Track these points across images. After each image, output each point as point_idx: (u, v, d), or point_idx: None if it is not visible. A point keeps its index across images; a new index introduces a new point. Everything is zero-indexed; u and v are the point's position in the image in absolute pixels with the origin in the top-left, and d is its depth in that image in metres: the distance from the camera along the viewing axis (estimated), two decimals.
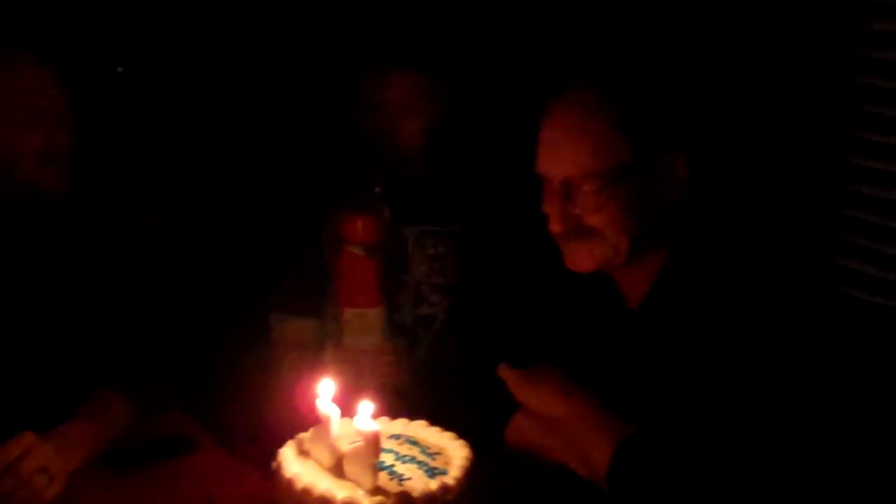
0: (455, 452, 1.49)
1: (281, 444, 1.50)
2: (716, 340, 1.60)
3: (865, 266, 2.07)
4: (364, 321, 2.03)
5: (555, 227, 1.66)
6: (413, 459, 1.47)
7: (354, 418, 1.42)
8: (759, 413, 1.54)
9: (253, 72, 2.59)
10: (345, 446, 1.43)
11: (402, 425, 1.58)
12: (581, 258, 1.68)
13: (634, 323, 1.72)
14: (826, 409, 1.54)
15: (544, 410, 1.67)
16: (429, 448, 1.51)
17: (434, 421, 1.68)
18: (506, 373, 1.72)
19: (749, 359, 1.56)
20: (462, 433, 1.73)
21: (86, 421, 1.73)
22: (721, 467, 1.52)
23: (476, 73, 2.42)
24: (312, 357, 2.07)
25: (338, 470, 1.42)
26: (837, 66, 2.06)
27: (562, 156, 1.64)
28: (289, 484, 1.40)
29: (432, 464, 1.46)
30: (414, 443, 1.52)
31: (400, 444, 1.52)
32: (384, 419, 1.59)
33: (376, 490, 1.38)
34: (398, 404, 1.96)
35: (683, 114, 1.68)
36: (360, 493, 1.37)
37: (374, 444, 1.38)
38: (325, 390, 1.45)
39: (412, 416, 1.65)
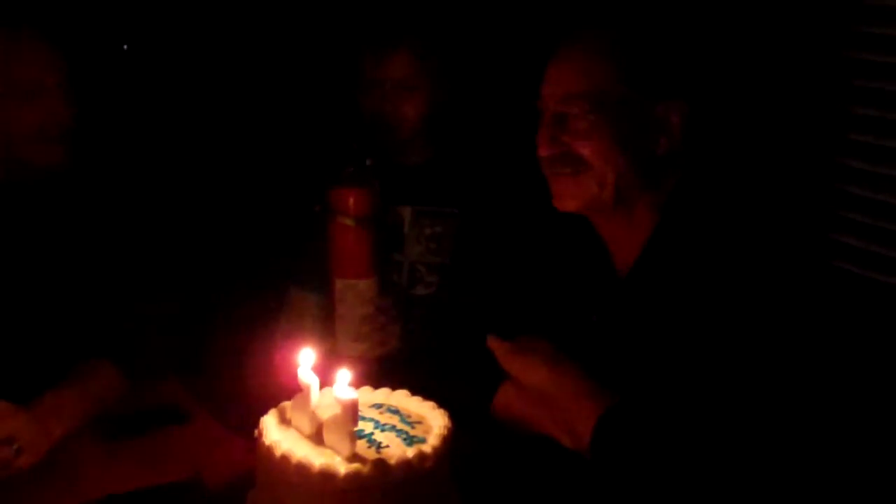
0: (435, 421, 1.50)
1: (265, 412, 1.52)
2: (703, 311, 1.60)
3: (859, 241, 2.07)
4: (356, 292, 2.05)
5: (541, 150, 1.69)
6: (393, 428, 1.48)
7: (333, 387, 1.43)
8: (744, 384, 1.54)
9: (254, 50, 2.60)
10: (325, 414, 1.45)
11: (383, 394, 1.59)
12: (567, 193, 1.70)
13: (623, 290, 1.73)
14: (813, 384, 1.53)
15: (530, 381, 1.68)
16: (409, 417, 1.52)
17: (422, 391, 1.70)
18: (494, 343, 1.73)
19: (736, 330, 1.56)
20: (447, 403, 1.77)
21: (69, 391, 1.75)
22: (703, 438, 1.52)
23: (476, 53, 2.43)
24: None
25: (318, 438, 1.44)
26: (836, 43, 2.05)
27: (560, 78, 1.68)
28: (268, 451, 1.42)
29: (412, 432, 1.47)
30: (395, 412, 1.53)
31: (381, 412, 1.53)
32: (366, 388, 1.60)
33: (354, 457, 1.39)
34: (388, 374, 2.00)
35: (688, 68, 1.69)
36: (337, 461, 1.38)
37: (351, 413, 1.39)
38: (305, 359, 1.47)
39: (401, 385, 1.67)
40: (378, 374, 1.88)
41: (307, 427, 1.46)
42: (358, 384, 1.59)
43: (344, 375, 1.42)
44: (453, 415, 1.72)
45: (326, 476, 1.36)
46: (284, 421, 1.49)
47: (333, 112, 2.21)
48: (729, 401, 1.53)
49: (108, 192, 1.98)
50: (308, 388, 1.45)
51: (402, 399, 1.58)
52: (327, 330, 2.06)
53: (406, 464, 1.38)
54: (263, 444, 1.43)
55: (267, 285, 2.16)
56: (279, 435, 1.45)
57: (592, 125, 1.65)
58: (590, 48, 1.69)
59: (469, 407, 1.74)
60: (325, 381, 1.47)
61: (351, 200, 2.01)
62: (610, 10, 1.78)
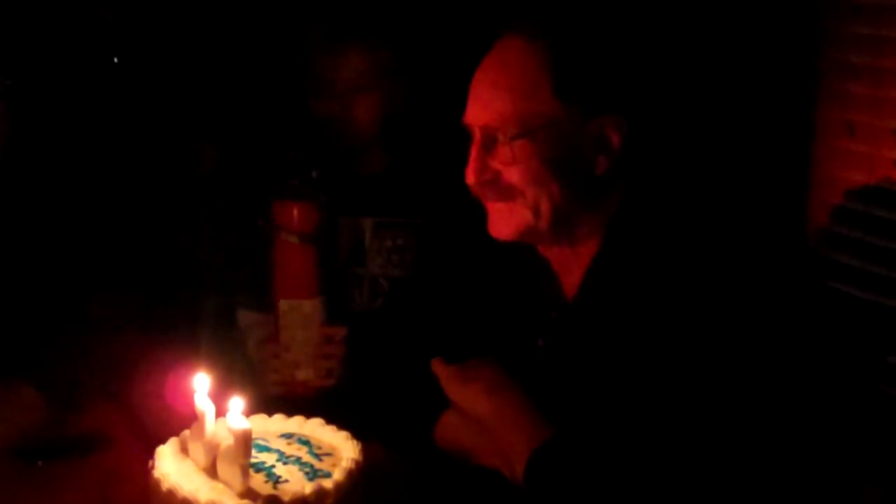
0: (346, 454, 1.39)
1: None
2: (647, 336, 1.47)
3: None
4: (300, 314, 1.94)
5: (469, 177, 1.54)
6: (297, 460, 1.37)
7: (227, 416, 1.32)
8: (687, 416, 1.41)
9: (195, 49, 2.49)
10: (222, 445, 1.33)
11: (296, 423, 1.48)
12: (501, 221, 1.56)
13: (569, 315, 1.61)
14: (762, 420, 1.40)
15: (472, 408, 1.58)
16: (320, 448, 1.41)
17: (363, 418, 1.59)
18: (438, 368, 1.62)
19: (682, 359, 1.43)
20: (388, 434, 1.66)
21: None
22: (640, 475, 1.40)
23: (434, 51, 2.28)
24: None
25: (213, 470, 1.33)
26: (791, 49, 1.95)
27: (482, 99, 1.53)
28: (156, 484, 1.31)
29: (318, 465, 1.36)
30: (305, 442, 1.43)
31: (289, 443, 1.42)
32: (279, 416, 1.49)
33: (246, 492, 1.28)
34: (332, 401, 1.90)
35: (623, 78, 1.54)
36: (226, 496, 1.27)
37: (243, 444, 1.28)
38: (200, 386, 1.35)
39: (345, 413, 1.56)
40: (312, 403, 1.76)
41: (203, 459, 1.35)
42: (272, 410, 1.50)
43: (237, 403, 1.31)
44: (395, 445, 1.65)
45: None
46: (183, 451, 1.38)
47: (281, 119, 2.10)
48: (669, 432, 1.40)
49: (33, 203, 1.88)
50: (203, 416, 1.34)
51: (316, 428, 1.46)
52: (268, 354, 1.95)
53: (301, 501, 1.27)
54: (153, 476, 1.33)
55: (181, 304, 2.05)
56: (172, 467, 1.34)
57: (521, 150, 1.50)
58: (513, 62, 1.52)
59: (414, 436, 1.64)
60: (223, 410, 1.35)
61: (295, 215, 1.90)
62: (534, 15, 1.60)
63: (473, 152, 1.54)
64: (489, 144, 1.53)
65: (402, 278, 2.13)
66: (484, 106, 1.53)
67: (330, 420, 1.49)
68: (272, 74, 2.32)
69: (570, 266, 1.61)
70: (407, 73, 2.14)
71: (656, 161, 1.63)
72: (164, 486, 1.29)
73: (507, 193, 1.54)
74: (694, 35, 1.97)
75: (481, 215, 1.72)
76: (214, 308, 2.09)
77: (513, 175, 1.52)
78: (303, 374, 1.94)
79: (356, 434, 1.45)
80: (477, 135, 1.54)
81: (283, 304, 1.93)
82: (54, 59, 2.40)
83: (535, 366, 1.62)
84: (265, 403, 1.52)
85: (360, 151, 2.16)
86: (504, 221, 1.56)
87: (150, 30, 2.51)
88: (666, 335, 1.45)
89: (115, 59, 2.54)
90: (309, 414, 1.51)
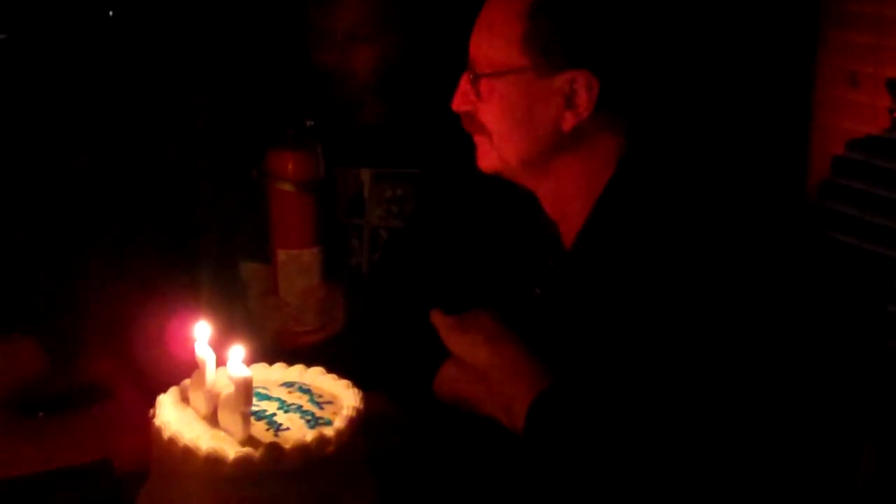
0: (346, 402, 1.38)
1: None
2: (646, 286, 1.46)
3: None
4: (299, 263, 1.93)
5: (452, 102, 1.56)
6: (298, 408, 1.36)
7: (227, 364, 1.31)
8: (686, 366, 1.40)
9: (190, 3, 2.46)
10: (223, 393, 1.33)
11: (297, 372, 1.46)
12: (480, 154, 1.58)
13: (567, 263, 1.60)
14: (763, 371, 1.39)
15: (471, 359, 1.57)
16: (320, 397, 1.40)
17: (362, 368, 1.59)
18: (437, 319, 1.61)
19: (684, 309, 1.41)
20: (386, 384, 1.65)
21: None
22: (639, 422, 1.40)
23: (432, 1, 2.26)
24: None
25: (214, 419, 1.32)
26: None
27: (474, 33, 1.54)
28: (157, 432, 1.30)
29: (318, 413, 1.35)
30: (306, 391, 1.41)
31: (290, 391, 1.41)
32: (280, 365, 1.48)
33: (248, 441, 1.27)
34: (332, 351, 1.89)
35: (598, 35, 1.49)
36: (226, 444, 1.26)
37: (244, 392, 1.27)
38: (200, 334, 1.35)
39: (345, 363, 1.56)
40: (313, 354, 1.75)
41: (203, 407, 1.34)
42: (272, 361, 1.49)
43: (238, 351, 1.30)
44: (393, 396, 1.64)
45: (214, 461, 1.24)
46: (184, 400, 1.38)
47: (276, 69, 2.07)
48: (668, 382, 1.40)
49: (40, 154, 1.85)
50: (204, 364, 1.34)
51: (316, 377, 1.45)
52: (268, 305, 1.95)
53: (303, 448, 1.26)
54: (154, 424, 1.32)
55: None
56: (173, 415, 1.33)
57: (490, 92, 1.51)
58: (496, 9, 1.52)
59: (413, 386, 1.65)
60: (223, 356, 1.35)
61: (290, 164, 1.89)
62: None
63: (461, 80, 1.55)
64: (475, 80, 1.53)
65: (400, 228, 2.12)
66: (473, 40, 1.54)
67: (330, 370, 1.49)
68: (268, 25, 2.29)
69: (565, 213, 1.59)
70: (405, 22, 2.12)
71: (654, 114, 1.61)
72: (165, 434, 1.28)
73: (481, 129, 1.54)
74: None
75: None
76: (215, 259, 2.08)
77: (482, 113, 1.53)
78: (302, 324, 1.94)
79: (356, 383, 1.44)
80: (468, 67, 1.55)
81: (282, 254, 1.92)
82: (48, 12, 2.37)
83: (532, 314, 1.61)
84: (266, 353, 1.51)
85: (359, 102, 2.13)
86: (481, 155, 1.58)
87: None
88: (663, 285, 1.44)
89: (111, 13, 2.51)
90: (309, 363, 1.51)
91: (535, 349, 1.54)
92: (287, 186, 1.89)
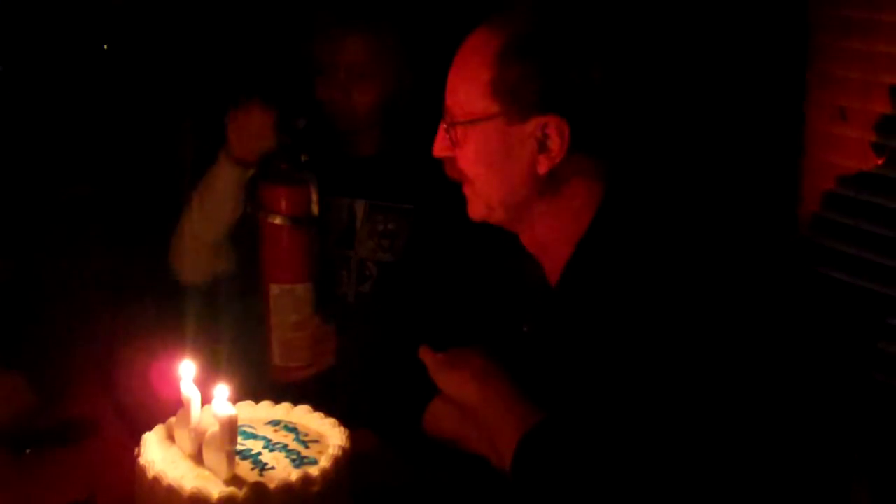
0: (333, 441, 1.38)
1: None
2: (629, 325, 1.45)
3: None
4: (292, 298, 1.93)
5: (433, 149, 1.56)
6: (284, 447, 1.37)
7: (213, 402, 1.31)
8: (669, 402, 1.40)
9: (193, 32, 2.46)
10: (208, 432, 1.33)
11: (283, 410, 1.47)
12: (469, 203, 1.57)
13: (552, 300, 1.60)
14: (750, 406, 1.39)
15: (459, 396, 1.57)
16: (306, 435, 1.40)
17: (351, 405, 1.59)
18: (426, 355, 1.61)
19: (667, 345, 1.42)
20: (377, 421, 1.65)
21: None
22: (627, 461, 1.40)
23: (434, 38, 2.27)
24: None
25: (199, 458, 1.32)
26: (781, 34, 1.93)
27: (448, 80, 1.54)
28: (142, 471, 1.31)
29: (304, 452, 1.36)
30: (292, 429, 1.42)
31: (276, 430, 1.41)
32: (266, 403, 1.48)
33: (232, 480, 1.27)
34: (322, 387, 1.89)
35: (568, 81, 1.47)
36: (210, 484, 1.26)
37: (229, 431, 1.27)
38: (186, 373, 1.34)
39: (333, 400, 1.56)
40: (302, 391, 1.75)
41: (188, 446, 1.34)
42: (261, 397, 1.49)
43: (223, 390, 1.30)
44: (381, 432, 1.64)
45: (198, 500, 1.25)
46: (169, 438, 1.37)
47: (274, 100, 2.08)
48: (656, 419, 1.40)
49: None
50: (189, 402, 1.33)
51: (303, 415, 1.45)
52: (257, 341, 1.95)
53: (287, 488, 1.26)
54: (138, 463, 1.32)
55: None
56: (158, 454, 1.33)
57: (465, 139, 1.51)
58: (470, 51, 1.51)
59: (402, 424, 1.64)
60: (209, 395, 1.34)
61: (284, 199, 1.89)
62: (504, 9, 1.56)
63: (439, 128, 1.56)
64: (452, 128, 1.53)
65: (390, 263, 2.12)
66: (448, 87, 1.53)
67: (318, 407, 1.49)
68: (268, 58, 2.31)
69: (549, 253, 1.59)
70: (406, 59, 2.14)
71: (633, 153, 1.60)
72: (150, 473, 1.29)
73: (463, 176, 1.55)
74: (676, 27, 1.94)
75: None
76: (201, 295, 2.08)
77: (460, 159, 1.53)
78: (292, 360, 1.93)
79: (344, 421, 1.44)
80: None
81: (275, 289, 1.92)
82: (46, 44, 2.38)
83: (521, 351, 1.61)
84: (252, 390, 1.51)
85: (356, 134, 2.15)
86: (469, 204, 1.57)
87: (146, 12, 2.48)
88: (648, 322, 1.44)
89: (105, 46, 2.52)
90: (296, 401, 1.50)
91: (525, 385, 1.54)
92: (280, 221, 1.89)
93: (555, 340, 1.56)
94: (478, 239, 1.72)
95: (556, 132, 1.47)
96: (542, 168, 1.49)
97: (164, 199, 2.20)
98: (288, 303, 1.93)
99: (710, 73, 2.07)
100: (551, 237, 1.56)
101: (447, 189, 2.05)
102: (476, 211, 1.57)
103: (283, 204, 1.90)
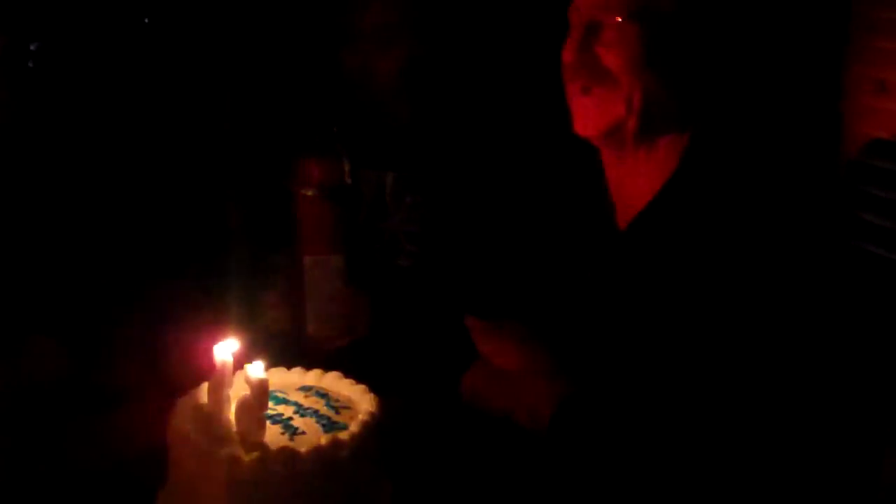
0: (362, 407, 1.39)
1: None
2: (695, 274, 1.47)
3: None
4: (325, 269, 1.93)
5: (566, 54, 1.54)
6: (315, 413, 1.37)
7: (245, 368, 1.32)
8: (730, 364, 1.41)
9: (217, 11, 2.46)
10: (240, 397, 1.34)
11: (314, 376, 1.47)
12: (588, 115, 1.56)
13: (622, 246, 1.60)
14: (813, 375, 1.39)
15: (501, 360, 1.60)
16: (337, 401, 1.41)
17: (384, 373, 1.59)
18: (471, 322, 1.64)
19: (735, 307, 1.43)
20: (410, 389, 1.66)
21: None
22: (664, 428, 1.40)
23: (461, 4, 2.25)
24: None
25: (230, 422, 1.33)
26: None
27: None
28: (175, 436, 1.32)
29: (334, 418, 1.36)
30: (323, 395, 1.42)
31: (307, 396, 1.42)
32: (298, 370, 1.49)
33: (263, 444, 1.28)
34: (352, 356, 1.90)
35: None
36: (242, 448, 1.27)
37: (260, 395, 1.29)
38: (219, 339, 1.36)
39: (365, 368, 1.57)
40: (337, 359, 1.76)
41: (221, 410, 1.34)
42: (292, 365, 1.50)
43: (255, 357, 1.31)
44: (413, 399, 1.65)
45: (230, 463, 1.25)
46: (202, 404, 1.39)
47: (302, 72, 2.08)
48: (707, 381, 1.40)
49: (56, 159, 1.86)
50: (222, 368, 1.34)
51: (333, 382, 1.46)
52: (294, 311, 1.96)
53: (318, 452, 1.27)
54: (171, 427, 1.33)
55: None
56: (191, 419, 1.34)
57: (626, 33, 1.50)
58: None
59: (438, 389, 1.67)
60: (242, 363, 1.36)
61: (316, 171, 1.90)
62: None
63: (575, 33, 1.54)
64: (594, 28, 1.52)
65: (425, 233, 2.12)
66: None
67: (349, 374, 1.50)
68: (295, 27, 2.30)
69: (632, 189, 1.60)
70: (431, 24, 2.12)
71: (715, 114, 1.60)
72: (183, 437, 1.30)
73: (602, 79, 1.53)
74: None
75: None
76: (237, 265, 2.09)
77: (613, 59, 1.51)
78: (325, 330, 1.94)
79: (374, 388, 1.45)
80: (583, 18, 1.54)
81: (308, 260, 1.93)
82: (83, 20, 2.40)
83: (584, 298, 1.61)
84: (284, 357, 1.52)
85: (383, 104, 2.14)
86: (593, 115, 1.56)
87: None
88: (714, 273, 1.45)
89: (146, 20, 2.53)
90: (328, 368, 1.51)
91: (585, 332, 1.55)
92: (312, 192, 1.90)
93: (621, 286, 1.56)
94: (529, 190, 1.72)
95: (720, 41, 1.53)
96: (699, 75, 1.52)
97: (207, 167, 2.21)
98: (321, 274, 1.94)
99: (751, 47, 2.04)
100: (642, 173, 1.57)
101: (478, 156, 2.06)
102: (606, 118, 1.55)
103: (316, 176, 1.90)
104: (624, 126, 1.54)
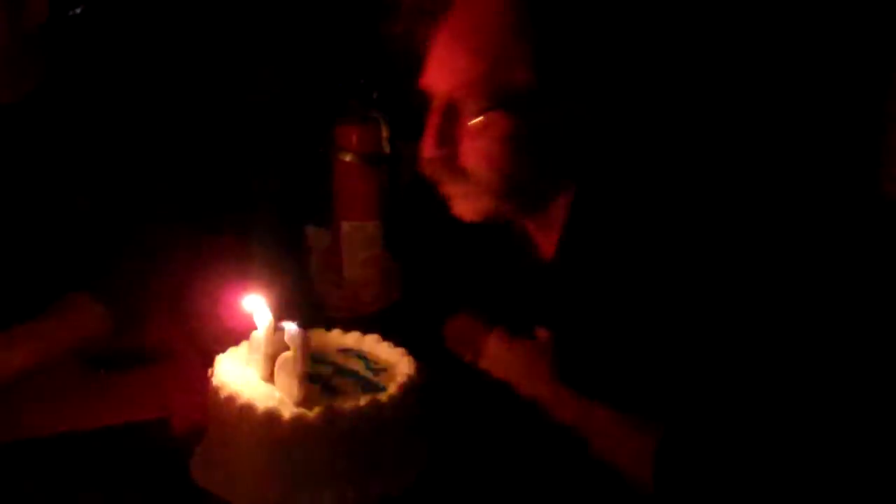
0: (401, 369, 1.40)
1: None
2: (635, 292, 1.41)
3: None
4: (363, 235, 1.94)
5: (426, 149, 1.39)
6: (354, 374, 1.39)
7: (286, 328, 1.33)
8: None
9: None
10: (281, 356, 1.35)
11: (353, 338, 1.48)
12: (462, 205, 1.45)
13: (549, 277, 1.55)
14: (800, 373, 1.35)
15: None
16: (376, 363, 1.42)
17: (421, 335, 1.60)
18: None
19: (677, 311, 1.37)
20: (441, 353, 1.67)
21: (44, 323, 1.68)
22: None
23: None
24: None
25: (270, 380, 1.35)
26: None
27: (449, 60, 1.38)
28: (215, 392, 1.33)
29: (373, 379, 1.37)
30: (362, 357, 1.43)
31: (346, 357, 1.43)
32: (337, 331, 1.50)
33: (304, 402, 1.30)
34: (389, 321, 1.90)
35: (614, 54, 1.36)
36: (283, 405, 1.29)
37: (301, 355, 1.30)
38: (261, 299, 1.37)
39: (402, 332, 1.58)
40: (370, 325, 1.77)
41: (261, 368, 1.36)
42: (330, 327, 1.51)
43: (296, 316, 1.32)
44: (448, 363, 1.66)
45: (271, 420, 1.27)
46: (242, 361, 1.40)
47: (343, 41, 2.08)
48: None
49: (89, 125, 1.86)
50: (263, 327, 1.36)
51: (373, 344, 1.47)
52: (329, 276, 1.97)
53: (358, 412, 1.28)
54: (212, 384, 1.35)
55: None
56: (231, 376, 1.36)
57: (492, 124, 1.35)
58: (492, 16, 1.34)
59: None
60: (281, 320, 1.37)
61: (354, 136, 1.90)
62: None
63: (433, 121, 1.40)
64: (453, 113, 1.39)
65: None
66: (451, 66, 1.38)
67: (386, 337, 1.50)
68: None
69: (545, 228, 1.53)
70: None
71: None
72: (223, 393, 1.31)
73: (464, 175, 1.40)
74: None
75: None
76: (277, 228, 2.10)
77: (473, 154, 1.38)
78: (363, 295, 1.95)
79: (412, 352, 1.45)
80: (439, 99, 1.40)
81: (346, 226, 1.94)
82: None
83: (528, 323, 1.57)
84: (324, 321, 1.53)
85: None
86: (465, 206, 1.45)
87: None
88: (654, 290, 1.38)
89: None
90: (366, 331, 1.52)
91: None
92: (350, 158, 1.90)
93: (555, 316, 1.53)
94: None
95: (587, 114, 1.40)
96: (567, 154, 1.42)
97: (247, 131, 2.22)
98: (358, 240, 1.95)
99: (796, 48, 2.02)
100: (549, 213, 1.49)
101: None
102: (477, 209, 1.44)
103: (354, 141, 1.91)
104: (499, 211, 1.45)
